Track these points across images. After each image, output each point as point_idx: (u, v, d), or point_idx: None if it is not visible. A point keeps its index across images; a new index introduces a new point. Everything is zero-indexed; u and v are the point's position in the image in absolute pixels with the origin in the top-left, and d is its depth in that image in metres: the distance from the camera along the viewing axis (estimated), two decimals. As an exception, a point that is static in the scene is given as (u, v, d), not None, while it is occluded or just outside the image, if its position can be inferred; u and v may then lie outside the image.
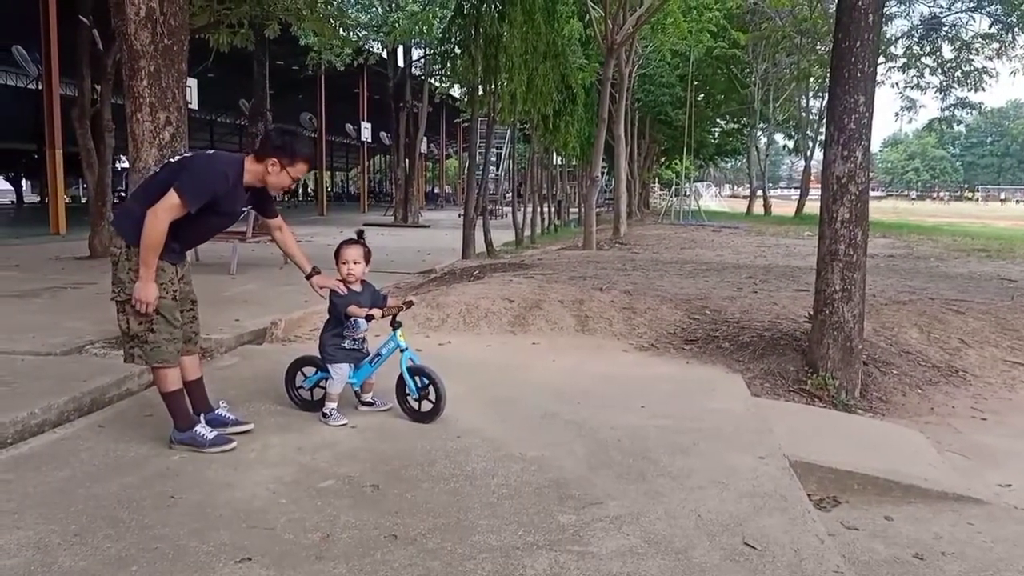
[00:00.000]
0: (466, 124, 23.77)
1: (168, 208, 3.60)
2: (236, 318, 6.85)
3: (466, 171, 16.52)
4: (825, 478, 4.08)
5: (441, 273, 10.68)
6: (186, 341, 3.99)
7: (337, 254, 4.43)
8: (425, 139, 33.83)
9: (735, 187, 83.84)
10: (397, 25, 19.92)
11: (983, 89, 27.32)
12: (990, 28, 24.15)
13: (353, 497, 3.37)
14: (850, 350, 5.64)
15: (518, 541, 3.00)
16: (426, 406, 4.46)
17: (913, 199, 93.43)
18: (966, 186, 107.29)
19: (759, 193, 40.62)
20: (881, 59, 28.48)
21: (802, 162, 39.87)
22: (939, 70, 28.04)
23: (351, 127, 35.70)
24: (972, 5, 25.34)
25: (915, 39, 27.49)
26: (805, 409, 5.34)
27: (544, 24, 13.83)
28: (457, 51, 13.90)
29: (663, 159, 48.50)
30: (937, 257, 13.72)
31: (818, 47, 27.82)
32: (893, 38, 28.23)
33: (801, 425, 4.91)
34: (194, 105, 16.67)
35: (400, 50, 25.32)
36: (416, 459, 3.85)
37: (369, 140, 35.35)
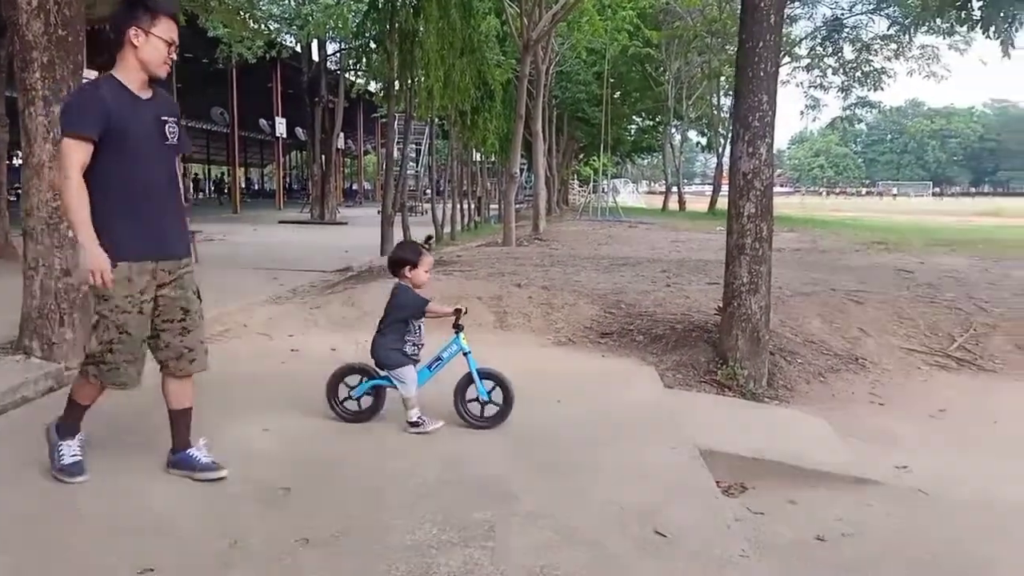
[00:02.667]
0: (384, 120, 23.57)
1: (67, 156, 3.10)
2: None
3: (383, 167, 16.35)
4: (733, 465, 4.20)
5: (358, 271, 10.55)
6: (176, 358, 3.45)
7: (413, 262, 4.33)
8: (342, 135, 33.34)
9: (652, 184, 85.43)
10: (311, 18, 19.57)
11: (882, 89, 28.64)
12: (888, 30, 25.31)
13: (264, 501, 3.30)
14: (757, 341, 5.82)
15: (433, 539, 2.99)
16: (490, 410, 4.34)
17: (822, 194, 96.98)
18: (868, 182, 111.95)
19: (674, 189, 41.49)
20: (787, 59, 29.54)
21: (715, 159, 40.92)
22: (841, 70, 29.23)
23: (265, 122, 34.89)
24: (871, 7, 26.49)
25: (818, 40, 28.58)
26: (715, 399, 5.49)
27: (460, 20, 13.78)
28: (372, 46, 13.71)
29: (582, 156, 49.05)
30: (840, 250, 14.30)
31: (728, 47, 28.57)
32: (797, 39, 29.27)
33: (711, 415, 5.05)
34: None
35: (315, 44, 24.87)
36: (332, 460, 3.80)
37: (284, 136, 34.58)
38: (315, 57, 25.56)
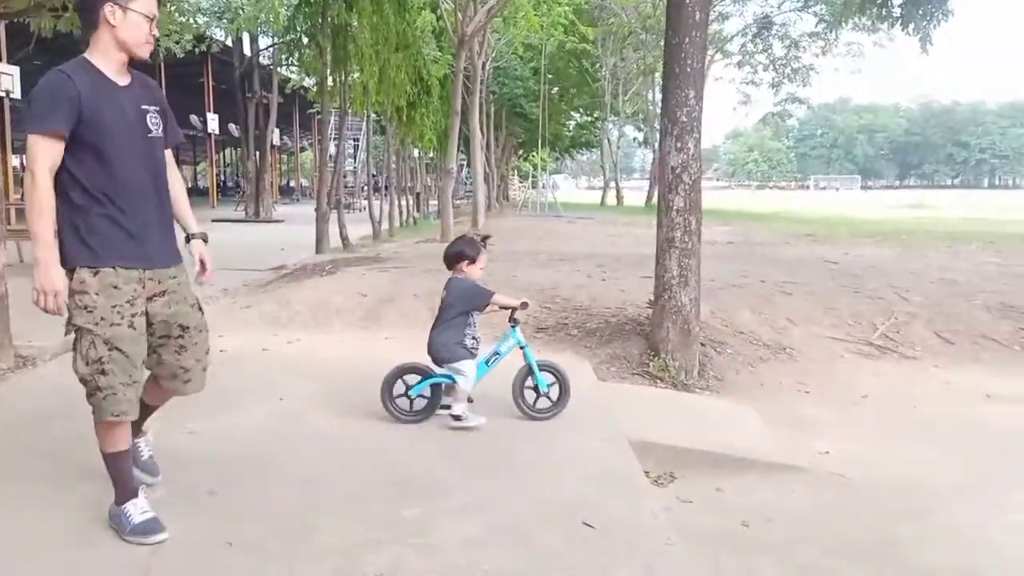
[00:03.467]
0: (320, 115, 23.27)
1: (34, 156, 2.70)
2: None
3: (318, 164, 16.14)
4: (663, 455, 4.27)
5: (293, 269, 10.40)
6: (170, 376, 3.06)
7: (472, 257, 4.41)
8: (278, 131, 32.81)
9: (591, 179, 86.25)
10: (241, 12, 19.18)
11: (810, 84, 29.45)
12: (816, 27, 26.03)
13: (188, 505, 3.23)
14: (688, 333, 5.93)
15: (361, 539, 2.97)
16: (543, 403, 4.43)
17: (755, 188, 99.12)
18: (800, 176, 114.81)
19: (612, 184, 41.92)
20: (719, 56, 30.12)
21: (652, 154, 41.48)
22: (771, 67, 29.95)
23: (197, 119, 34.07)
24: (799, 5, 27.18)
25: (749, 37, 29.21)
26: (647, 391, 5.57)
27: (394, 15, 13.67)
28: (304, 41, 13.51)
29: (521, 151, 49.18)
30: (770, 243, 14.64)
31: (662, 43, 28.95)
32: (729, 36, 29.88)
33: (643, 407, 5.12)
34: (17, 94, 15.41)
35: (246, 38, 24.38)
36: (260, 462, 3.74)
37: (217, 132, 33.82)
38: (247, 52, 25.07)
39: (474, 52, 17.26)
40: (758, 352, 6.53)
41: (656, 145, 39.00)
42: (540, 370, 4.43)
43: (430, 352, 4.36)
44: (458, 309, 4.34)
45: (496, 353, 4.45)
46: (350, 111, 15.17)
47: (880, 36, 23.87)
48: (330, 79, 14.10)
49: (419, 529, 3.07)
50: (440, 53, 20.36)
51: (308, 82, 24.77)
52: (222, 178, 50.74)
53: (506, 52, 24.61)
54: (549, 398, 4.45)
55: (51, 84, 2.76)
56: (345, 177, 35.49)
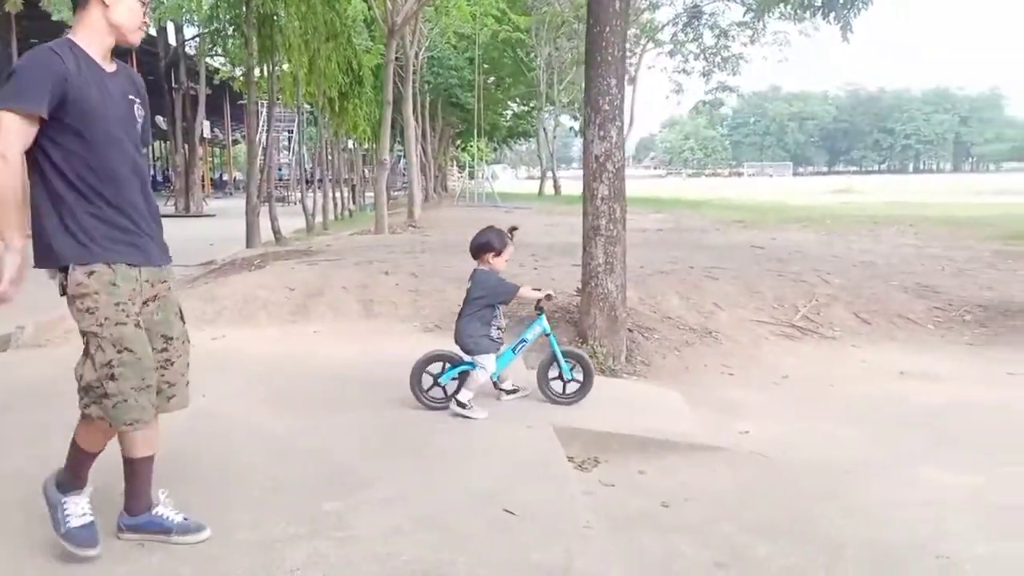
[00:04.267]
0: (253, 107, 22.79)
1: (4, 132, 2.46)
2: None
3: (247, 156, 15.83)
4: (588, 441, 4.32)
5: (221, 264, 10.19)
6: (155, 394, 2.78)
7: (497, 249, 4.46)
8: (207, 123, 32.00)
9: (531, 169, 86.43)
10: (163, 1, 18.62)
11: (740, 73, 30.04)
12: (744, 16, 26.49)
13: (103, 504, 3.15)
14: (615, 319, 6.01)
15: (279, 534, 2.94)
16: (572, 387, 4.56)
17: (687, 176, 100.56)
18: (735, 163, 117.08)
19: (550, 174, 42.08)
20: (651, 45, 30.47)
21: (588, 143, 41.66)
22: (702, 56, 30.42)
23: (122, 111, 33.07)
24: (728, -7, 27.67)
25: (680, 27, 29.61)
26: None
27: (322, 4, 13.49)
28: (228, 30, 13.22)
29: (459, 142, 49.00)
30: (701, 229, 14.90)
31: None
32: (660, 25, 30.24)
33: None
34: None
35: (171, 27, 23.71)
36: (176, 459, 3.65)
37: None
38: (172, 41, 24.39)
39: (406, 41, 17.14)
40: (685, 336, 6.65)
41: (592, 134, 39.31)
42: (564, 357, 4.57)
43: (457, 341, 4.47)
44: (484, 302, 4.43)
45: (523, 340, 4.59)
46: (280, 102, 14.89)
47: (806, 25, 24.48)
48: (257, 70, 13.82)
49: (340, 522, 3.06)
50: (372, 43, 20.16)
51: (238, 72, 24.29)
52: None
53: (439, 42, 24.46)
54: (577, 381, 4.60)
55: (38, 60, 2.53)
56: (280, 170, 34.96)
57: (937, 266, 8.96)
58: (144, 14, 2.74)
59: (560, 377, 4.60)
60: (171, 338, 2.83)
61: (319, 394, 4.75)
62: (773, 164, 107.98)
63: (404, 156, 30.11)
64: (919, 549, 3.18)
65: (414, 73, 19.32)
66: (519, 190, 49.65)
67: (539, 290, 4.68)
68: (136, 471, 2.84)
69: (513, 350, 4.57)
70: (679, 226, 15.94)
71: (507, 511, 3.19)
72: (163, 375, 2.79)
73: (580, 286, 6.40)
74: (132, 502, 2.87)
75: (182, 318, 2.94)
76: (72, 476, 2.80)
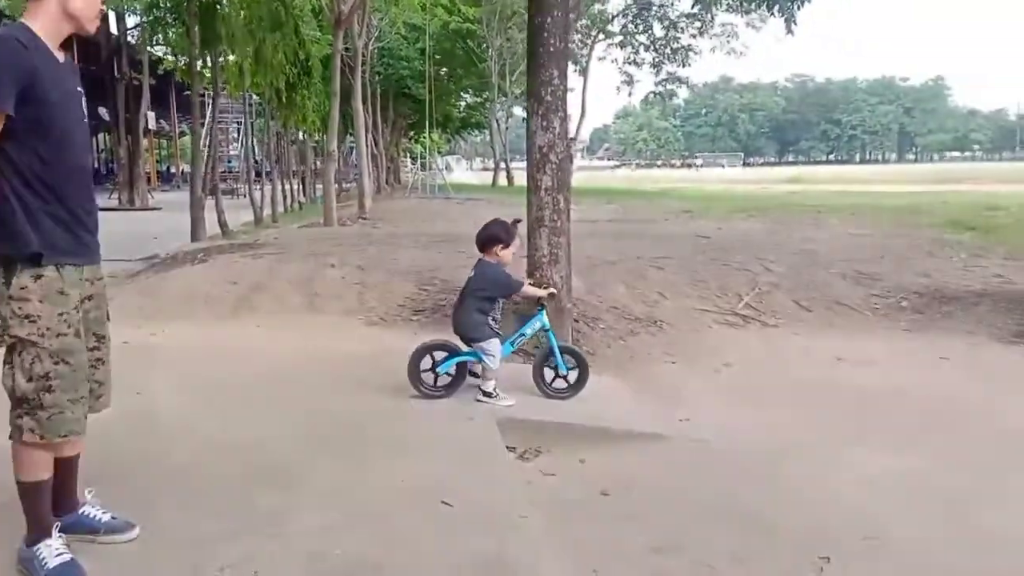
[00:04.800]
0: (200, 98, 22.33)
1: None
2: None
3: (191, 148, 15.53)
4: (529, 431, 4.34)
5: (164, 258, 9.99)
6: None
7: (505, 241, 4.57)
8: (152, 114, 31.25)
9: (485, 160, 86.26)
10: (104, -12, 18.17)
11: (689, 65, 30.33)
12: (693, 8, 26.74)
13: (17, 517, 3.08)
14: (560, 310, 6.01)
15: (210, 531, 2.90)
16: (561, 384, 4.66)
17: (638, 166, 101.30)
18: (687, 154, 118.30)
19: (503, 165, 42.06)
20: (601, 36, 30.58)
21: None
22: (652, 47, 30.64)
23: (63, 102, 32.14)
24: (677, -15, 27.90)
25: (629, 18, 29.75)
26: (520, 368, 5.60)
27: (267, -8, 13.25)
28: (170, 19, 12.93)
29: (412, 133, 48.68)
30: (649, 220, 15.02)
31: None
32: (610, 16, 30.36)
33: (515, 384, 5.15)
34: None
35: (112, 16, 23.09)
36: (109, 460, 3.58)
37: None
38: (114, 30, 23.75)
39: (354, 32, 16.95)
40: (630, 326, 6.70)
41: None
42: (561, 353, 4.64)
43: (457, 330, 4.56)
44: (487, 294, 4.51)
45: (521, 334, 4.70)
46: (224, 93, 14.61)
47: (753, 18, 24.79)
48: (200, 60, 13.55)
49: (275, 518, 3.03)
50: (320, 33, 19.89)
51: (182, 62, 23.76)
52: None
53: (389, 32, 24.25)
54: (567, 380, 4.66)
55: (5, 52, 2.35)
56: (230, 162, 34.34)
57: (877, 254, 9.15)
58: (102, 1, 2.63)
59: (556, 372, 4.69)
60: (103, 337, 2.77)
61: (257, 389, 4.70)
62: (725, 155, 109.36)
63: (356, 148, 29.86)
64: (848, 529, 3.26)
65: (363, 64, 19.11)
66: (473, 181, 49.57)
67: (543, 287, 4.83)
68: (61, 471, 2.74)
69: (511, 343, 4.66)
70: (628, 217, 16.05)
71: (444, 503, 3.20)
72: (94, 374, 2.71)
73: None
74: (58, 502, 2.77)
75: (109, 317, 2.86)
76: (35, 523, 2.63)
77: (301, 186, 25.22)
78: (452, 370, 4.55)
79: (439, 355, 4.55)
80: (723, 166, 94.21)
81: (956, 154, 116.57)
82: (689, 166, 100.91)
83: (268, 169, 20.77)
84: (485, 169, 72.25)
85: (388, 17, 22.09)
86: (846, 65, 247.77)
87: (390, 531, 2.94)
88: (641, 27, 29.83)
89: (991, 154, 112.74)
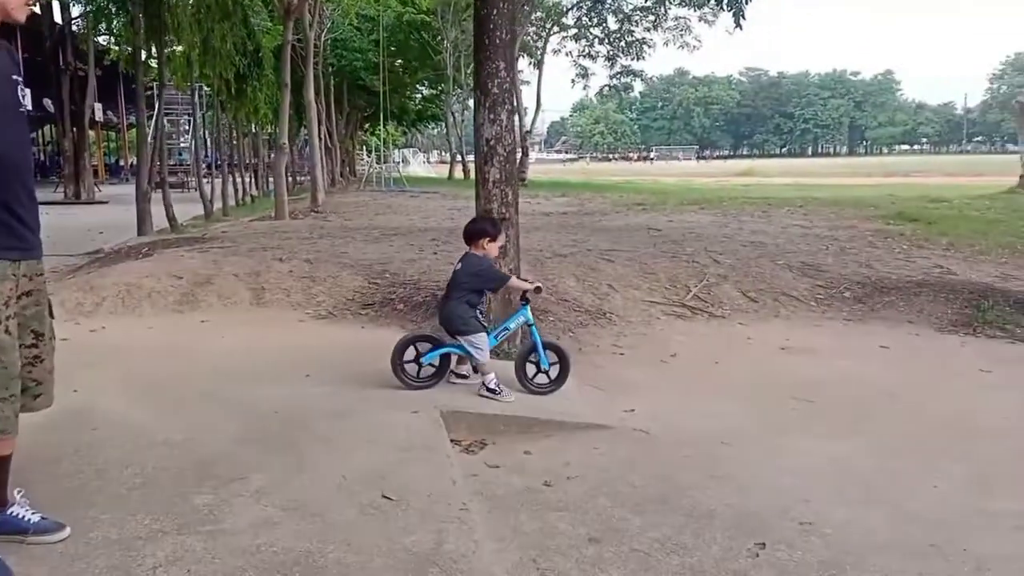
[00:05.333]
0: (148, 90, 21.86)
1: None
2: None
3: (137, 140, 15.21)
4: (475, 423, 4.34)
5: (107, 253, 9.78)
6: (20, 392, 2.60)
7: (492, 235, 4.63)
8: (99, 105, 30.52)
9: (442, 153, 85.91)
10: (45, -24, 17.69)
11: (643, 58, 30.53)
12: (646, 1, 26.90)
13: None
14: (509, 303, 5.99)
15: (143, 531, 2.85)
16: (542, 379, 4.68)
17: (592, 159, 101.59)
18: (643, 147, 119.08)
19: (459, 158, 41.91)
20: (556, 29, 30.63)
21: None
22: (606, 40, 30.77)
23: (6, 93, 31.21)
24: (630, -22, 28.03)
25: (584, 11, 29.82)
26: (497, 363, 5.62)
27: (215, -18, 13.02)
28: (113, 8, 12.63)
29: (367, 125, 48.26)
30: (602, 212, 15.11)
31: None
32: (565, 9, 30.41)
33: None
34: None
35: (56, 5, 22.48)
36: (36, 458, 3.49)
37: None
38: (58, 19, 23.12)
39: (305, 22, 16.73)
40: (579, 318, 6.74)
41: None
42: (544, 349, 4.67)
43: (443, 322, 4.61)
44: (474, 285, 4.55)
45: (505, 328, 4.76)
46: (169, 83, 14.33)
47: (706, 12, 25.04)
48: (145, 50, 13.26)
49: (208, 515, 2.98)
50: (272, 23, 19.62)
51: (128, 52, 23.21)
52: (41, 157, 46.88)
53: (342, 23, 23.98)
54: (548, 375, 4.70)
55: None
56: (180, 155, 33.68)
57: (822, 245, 9.33)
58: None
59: (537, 367, 4.72)
60: (41, 334, 2.69)
61: (199, 385, 4.62)
62: (680, 148, 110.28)
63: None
64: (783, 515, 3.32)
65: (316, 55, 18.88)
66: (430, 174, 49.37)
67: (529, 281, 4.86)
68: None
69: (495, 337, 4.69)
70: (582, 209, 16.12)
71: (385, 496, 3.18)
72: (30, 372, 2.64)
73: (474, 270, 6.40)
74: None
75: (51, 313, 2.78)
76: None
77: (253, 179, 24.86)
78: (436, 362, 4.61)
79: (423, 347, 4.61)
80: (680, 159, 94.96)
81: (905, 147, 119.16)
82: (644, 159, 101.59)
83: (219, 162, 20.43)
84: (442, 162, 71.98)
85: (341, 8, 21.84)
86: (797, 58, 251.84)
87: (327, 526, 2.92)
88: (595, 20, 29.94)
89: (938, 147, 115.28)
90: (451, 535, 2.88)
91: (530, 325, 4.75)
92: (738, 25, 12.05)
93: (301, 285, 7.14)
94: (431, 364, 4.61)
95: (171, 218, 13.56)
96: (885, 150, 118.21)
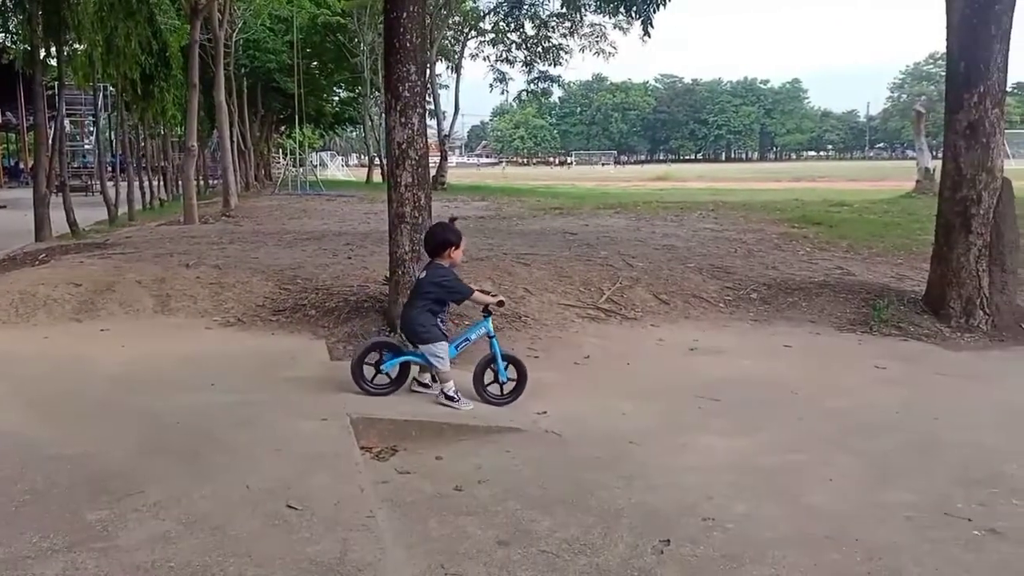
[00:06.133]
0: (49, 90, 20.90)
1: None
2: None
3: (36, 142, 14.54)
4: (386, 429, 4.30)
5: (1, 260, 9.30)
6: None
7: (456, 243, 4.63)
8: (-4, 106, 29.04)
9: (361, 156, 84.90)
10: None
11: (561, 64, 30.85)
12: (562, 8, 27.17)
13: None
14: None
15: (32, 549, 2.73)
16: (507, 388, 4.70)
17: (509, 163, 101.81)
18: (563, 152, 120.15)
19: (377, 162, 41.47)
20: (473, 33, 30.68)
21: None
22: (523, 45, 30.97)
23: None
24: (546, -15, 28.23)
25: (501, 15, 29.93)
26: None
27: (117, -22, 12.55)
28: (10, 4, 12.04)
29: (283, 128, 47.29)
30: (519, 216, 15.21)
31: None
32: (482, 13, 30.48)
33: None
34: None
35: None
36: (-83, 478, 3.31)
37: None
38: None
39: (215, 21, 16.31)
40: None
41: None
42: (503, 360, 4.70)
43: (404, 330, 4.69)
44: (438, 296, 4.59)
45: (466, 339, 4.77)
46: (73, 84, 13.75)
47: (620, 20, 25.44)
48: (44, 49, 12.68)
49: (103, 532, 2.88)
50: (180, 22, 19.04)
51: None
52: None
53: (254, 23, 23.46)
54: (512, 381, 4.76)
55: None
56: (85, 157, 32.31)
57: (731, 248, 9.60)
58: None
59: (495, 378, 4.75)
60: None
61: (97, 397, 4.45)
62: (599, 153, 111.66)
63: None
64: (687, 512, 3.40)
65: (227, 55, 18.41)
66: (349, 178, 48.70)
67: (491, 295, 4.94)
68: None
69: (455, 347, 4.72)
70: (499, 213, 16.18)
71: (290, 506, 3.13)
72: None
73: (387, 275, 6.36)
74: None
75: None
76: None
77: (162, 183, 24.07)
78: (395, 370, 4.66)
79: (384, 354, 4.65)
80: (600, 164, 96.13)
81: (812, 153, 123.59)
82: (563, 164, 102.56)
83: (126, 165, 19.70)
84: (362, 166, 71.09)
85: (253, 7, 21.37)
86: (711, 66, 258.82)
87: (228, 539, 2.85)
88: (513, 25, 30.08)
89: (843, 153, 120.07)
90: (357, 543, 2.85)
91: (491, 337, 4.80)
92: (646, 33, 12.30)
93: (209, 291, 6.95)
94: (387, 374, 4.66)
95: (72, 223, 13.01)
96: (794, 156, 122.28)
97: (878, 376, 5.57)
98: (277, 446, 3.79)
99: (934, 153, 19.48)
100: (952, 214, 6.80)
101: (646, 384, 5.45)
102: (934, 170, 15.93)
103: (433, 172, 27.10)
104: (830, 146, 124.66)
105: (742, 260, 8.91)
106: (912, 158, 21.54)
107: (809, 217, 12.81)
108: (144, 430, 3.93)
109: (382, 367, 4.65)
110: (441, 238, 4.73)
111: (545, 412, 4.78)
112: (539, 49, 30.54)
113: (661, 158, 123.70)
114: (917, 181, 18.98)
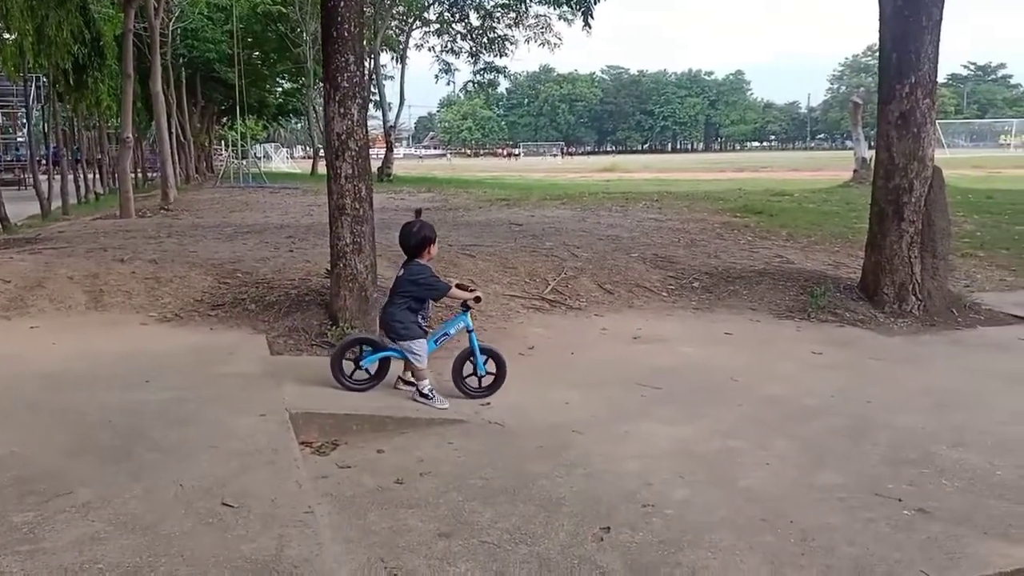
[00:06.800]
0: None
1: None
2: None
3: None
4: (326, 424, 4.25)
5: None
6: None
7: (433, 239, 4.66)
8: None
9: (306, 148, 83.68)
10: None
11: (507, 55, 30.80)
12: (505, -1, 27.15)
13: None
14: (365, 299, 5.95)
15: (-48, 555, 2.62)
16: (487, 381, 4.71)
17: (455, 155, 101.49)
18: (511, 143, 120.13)
19: (322, 153, 40.93)
20: (418, 24, 30.43)
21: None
22: (469, 36, 30.82)
23: None
24: (489, -25, 28.12)
25: (446, 6, 29.73)
26: (321, 361, 5.48)
27: (46, -34, 12.16)
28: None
29: (225, 119, 46.37)
30: (466, 208, 15.17)
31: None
32: (426, 3, 30.22)
33: (315, 377, 5.04)
34: None
35: None
36: None
37: None
38: None
39: (150, 10, 15.88)
40: (440, 314, 6.69)
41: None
42: (481, 354, 4.71)
43: (383, 327, 4.67)
44: (417, 293, 4.59)
45: (445, 333, 4.79)
46: (1, 74, 13.28)
47: (565, 11, 25.46)
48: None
49: (28, 534, 2.80)
50: (114, 10, 18.51)
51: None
52: None
53: (192, 12, 22.91)
54: (490, 374, 4.75)
55: None
56: (18, 150, 31.20)
57: (674, 238, 9.72)
58: None
59: (474, 372, 4.75)
60: None
61: (25, 395, 4.31)
62: (546, 144, 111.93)
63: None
64: (628, 499, 3.43)
65: (164, 44, 17.94)
66: (293, 170, 48.00)
67: (469, 290, 4.88)
68: None
69: (435, 341, 4.74)
70: (445, 205, 16.12)
71: (225, 504, 3.07)
72: None
73: (328, 268, 6.28)
74: None
75: None
76: None
77: (98, 176, 23.40)
78: (375, 366, 4.67)
79: (364, 350, 4.67)
80: (548, 155, 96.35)
81: (756, 144, 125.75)
82: (511, 155, 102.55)
83: (59, 157, 19.09)
84: (306, 157, 70.12)
85: (190, -4, 20.88)
86: (656, 57, 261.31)
87: (160, 538, 2.79)
88: (457, 16, 29.91)
89: (785, 144, 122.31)
90: (294, 540, 2.81)
91: (470, 331, 4.80)
92: (587, 24, 12.35)
93: (144, 287, 6.78)
94: (366, 369, 4.67)
95: (3, 218, 12.58)
96: (738, 146, 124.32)
97: (815, 361, 5.70)
98: (213, 443, 3.71)
99: (870, 143, 19.98)
100: (885, 202, 6.98)
101: (590, 373, 5.47)
102: (870, 160, 16.31)
103: (379, 164, 26.95)
104: (773, 137, 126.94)
105: (685, 250, 9.02)
106: (851, 148, 22.04)
107: (751, 207, 13.03)
108: (74, 429, 3.82)
109: (361, 363, 4.67)
110: (420, 237, 4.70)
111: (488, 403, 4.77)
112: (484, 40, 30.44)
113: (608, 149, 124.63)
114: (854, 171, 19.45)
